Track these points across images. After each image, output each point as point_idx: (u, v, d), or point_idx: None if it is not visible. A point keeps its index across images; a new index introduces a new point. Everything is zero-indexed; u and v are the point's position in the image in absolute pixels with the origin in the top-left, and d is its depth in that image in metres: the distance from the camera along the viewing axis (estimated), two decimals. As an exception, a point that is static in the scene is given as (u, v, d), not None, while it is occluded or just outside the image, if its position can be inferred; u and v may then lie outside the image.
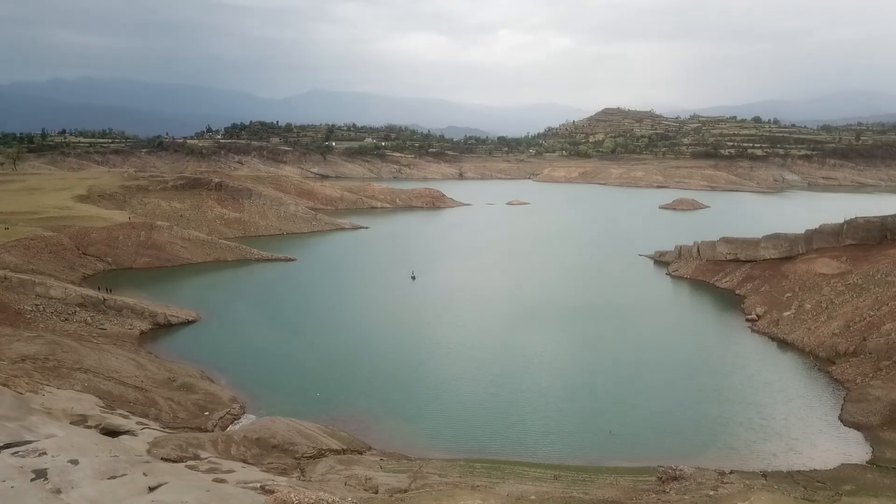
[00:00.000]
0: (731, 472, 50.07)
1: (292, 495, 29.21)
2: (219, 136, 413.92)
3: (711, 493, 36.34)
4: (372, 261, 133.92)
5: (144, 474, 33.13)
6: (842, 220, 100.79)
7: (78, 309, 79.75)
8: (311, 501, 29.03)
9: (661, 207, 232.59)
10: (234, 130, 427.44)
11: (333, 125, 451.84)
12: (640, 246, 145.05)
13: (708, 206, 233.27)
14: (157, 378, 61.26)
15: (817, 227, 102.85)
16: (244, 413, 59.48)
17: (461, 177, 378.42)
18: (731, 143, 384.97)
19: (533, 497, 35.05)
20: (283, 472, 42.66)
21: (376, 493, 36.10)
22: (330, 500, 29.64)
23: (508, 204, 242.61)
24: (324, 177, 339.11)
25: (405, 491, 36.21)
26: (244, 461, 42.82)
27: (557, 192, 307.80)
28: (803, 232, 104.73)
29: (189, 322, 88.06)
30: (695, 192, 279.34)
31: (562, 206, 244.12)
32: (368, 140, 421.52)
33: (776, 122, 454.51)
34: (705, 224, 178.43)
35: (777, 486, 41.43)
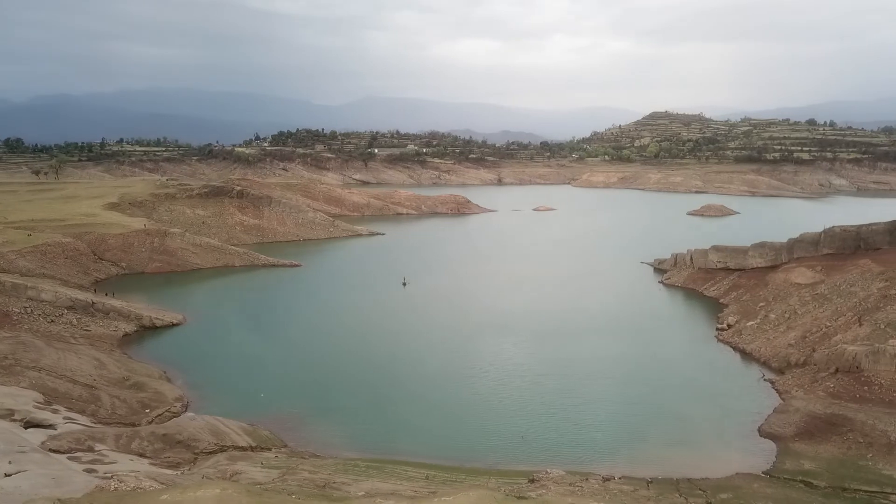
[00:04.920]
0: (621, 478, 51.51)
1: (112, 483, 32.88)
2: (265, 144, 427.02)
3: (533, 494, 38.11)
4: (373, 267, 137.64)
5: (10, 462, 37.36)
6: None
7: (66, 311, 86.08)
8: (129, 489, 32.69)
9: (689, 213, 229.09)
10: (281, 138, 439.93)
11: (377, 132, 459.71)
12: (648, 253, 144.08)
13: (738, 213, 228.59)
14: (111, 377, 66.26)
15: (798, 235, 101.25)
16: (185, 411, 63.71)
17: (500, 182, 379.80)
18: (779, 147, 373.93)
19: (361, 494, 37.60)
20: (175, 466, 46.45)
21: (225, 486, 39.43)
22: (146, 487, 33.23)
23: (534, 210, 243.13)
24: (365, 183, 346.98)
25: (260, 484, 39.33)
26: (141, 455, 46.80)
27: (591, 197, 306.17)
28: (786, 241, 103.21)
29: (174, 325, 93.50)
30: (732, 198, 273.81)
31: (588, 212, 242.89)
32: (410, 147, 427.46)
33: (832, 124, 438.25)
34: (726, 231, 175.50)
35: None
